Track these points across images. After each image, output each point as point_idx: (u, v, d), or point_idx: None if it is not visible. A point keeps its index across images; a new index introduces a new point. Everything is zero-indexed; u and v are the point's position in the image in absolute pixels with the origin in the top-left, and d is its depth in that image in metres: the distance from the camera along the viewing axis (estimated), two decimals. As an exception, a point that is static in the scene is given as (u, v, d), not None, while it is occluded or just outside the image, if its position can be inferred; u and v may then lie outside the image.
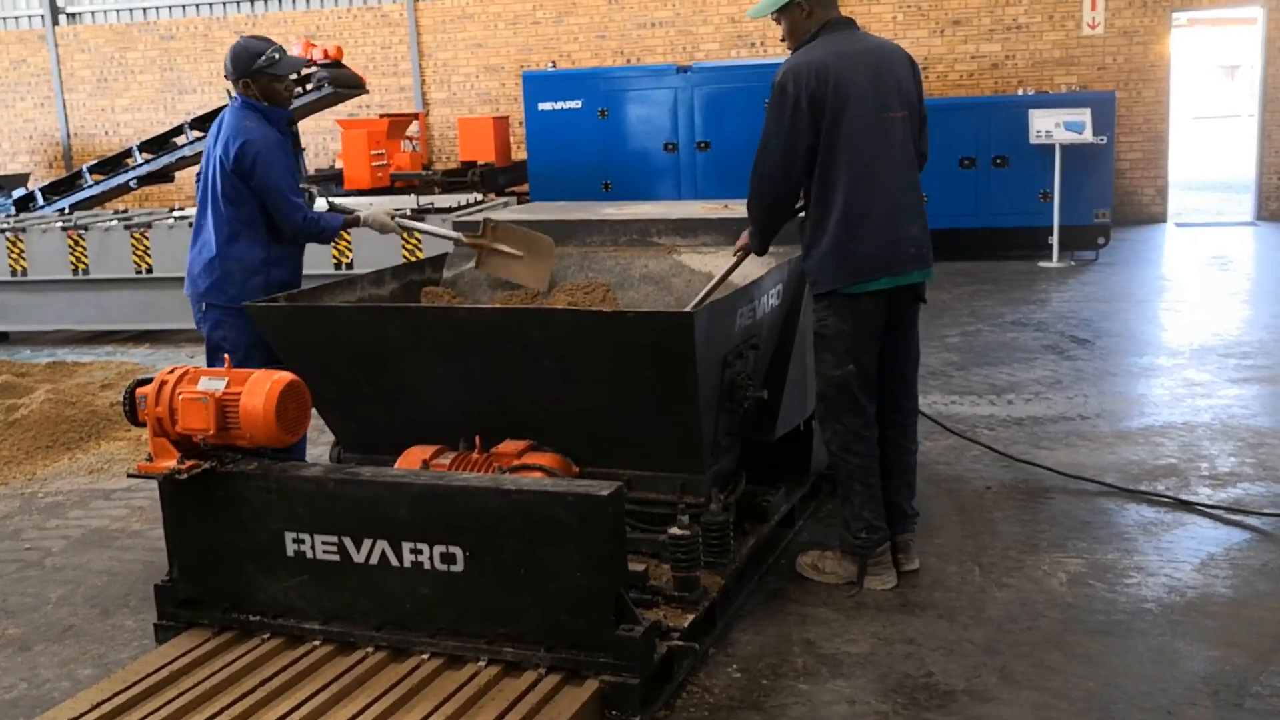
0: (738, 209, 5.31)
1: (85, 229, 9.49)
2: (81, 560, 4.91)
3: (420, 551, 3.45)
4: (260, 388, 3.51)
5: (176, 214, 10.03)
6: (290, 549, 3.60)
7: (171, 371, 3.63)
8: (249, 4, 17.29)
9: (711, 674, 3.64)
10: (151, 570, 4.72)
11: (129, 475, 3.83)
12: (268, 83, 4.74)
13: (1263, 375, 6.98)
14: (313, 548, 3.58)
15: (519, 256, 4.96)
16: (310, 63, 12.09)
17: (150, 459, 3.64)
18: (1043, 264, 11.52)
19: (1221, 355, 7.50)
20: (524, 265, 4.97)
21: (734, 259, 4.53)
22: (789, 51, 4.32)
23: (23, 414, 6.78)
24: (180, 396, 3.53)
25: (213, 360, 4.69)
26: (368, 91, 13.77)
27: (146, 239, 9.31)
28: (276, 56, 4.73)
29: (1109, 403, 6.56)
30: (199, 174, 4.89)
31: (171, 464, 3.56)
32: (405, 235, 4.87)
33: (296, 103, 12.66)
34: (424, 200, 9.69)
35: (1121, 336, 8.32)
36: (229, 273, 4.72)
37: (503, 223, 5.10)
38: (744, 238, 4.48)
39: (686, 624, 3.62)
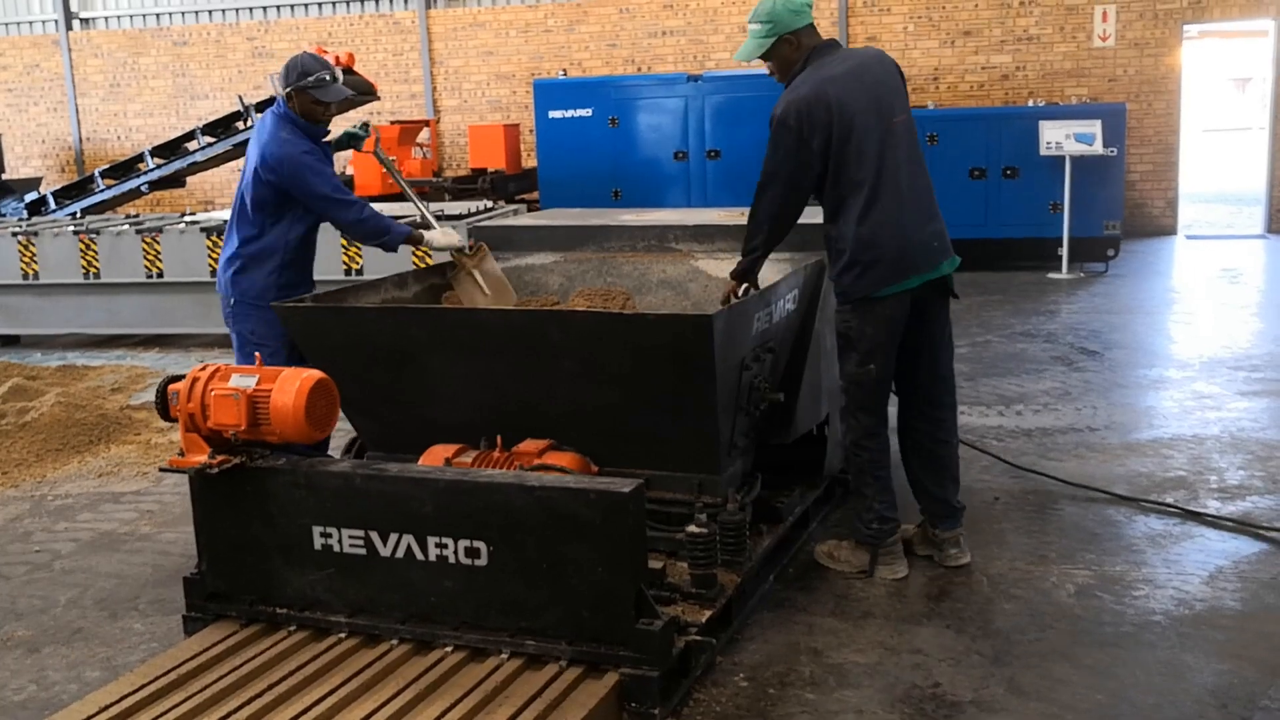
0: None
1: (96, 233, 9.52)
2: (90, 563, 4.92)
3: (445, 546, 3.51)
4: (290, 385, 3.57)
5: (188, 219, 10.07)
6: (317, 543, 3.66)
7: (203, 368, 3.70)
8: (262, 11, 17.36)
9: (719, 683, 3.63)
10: (160, 573, 4.74)
11: (161, 470, 3.91)
12: (308, 102, 4.88)
13: (1272, 388, 6.96)
14: (339, 541, 3.63)
15: (485, 294, 5.02)
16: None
17: (181, 454, 3.72)
18: (1052, 275, 11.51)
19: (1231, 368, 7.48)
20: (484, 304, 5.01)
21: (740, 292, 4.44)
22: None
23: (33, 417, 6.81)
24: (212, 393, 3.61)
25: (241, 352, 4.92)
26: (379, 98, 13.82)
27: (157, 243, 9.34)
28: (326, 79, 4.86)
29: (1118, 414, 6.54)
30: (240, 181, 5.07)
31: (202, 459, 3.64)
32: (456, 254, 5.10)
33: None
34: (434, 207, 9.70)
35: (1131, 348, 8.30)
36: (245, 268, 4.93)
37: (491, 256, 5.16)
38: (734, 274, 4.42)
39: (704, 620, 3.68)
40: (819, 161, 4.16)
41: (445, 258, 5.21)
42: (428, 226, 5.19)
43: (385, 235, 4.93)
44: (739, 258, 4.44)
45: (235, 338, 5.02)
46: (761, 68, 4.43)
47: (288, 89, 4.86)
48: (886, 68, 4.32)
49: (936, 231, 4.31)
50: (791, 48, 4.25)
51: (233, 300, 4.95)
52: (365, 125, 5.41)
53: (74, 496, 5.81)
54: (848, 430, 4.43)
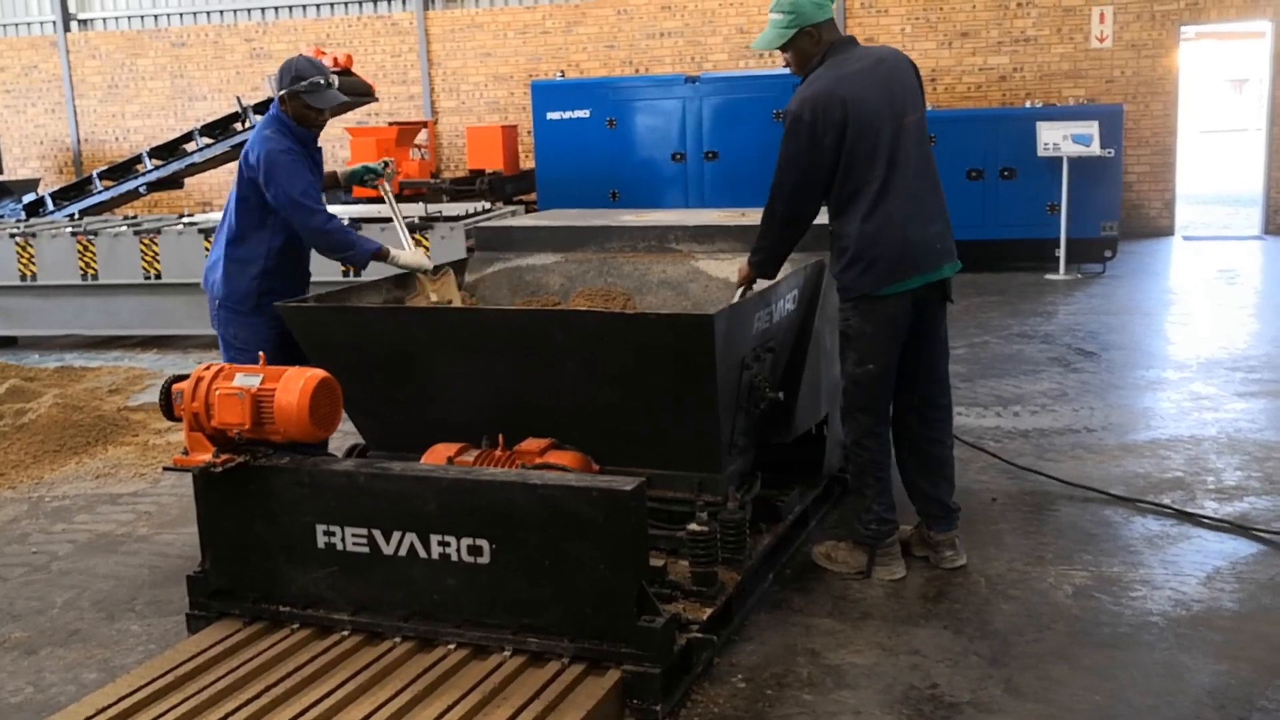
0: (754, 216, 5.36)
1: (94, 234, 9.52)
2: (88, 565, 4.92)
3: (448, 544, 3.52)
4: (294, 384, 3.58)
5: (186, 220, 10.07)
6: (321, 541, 3.67)
7: (207, 368, 3.71)
8: (260, 12, 17.36)
9: (716, 684, 3.63)
10: (158, 575, 4.74)
11: (165, 469, 3.92)
12: (300, 106, 4.85)
13: (1270, 389, 6.96)
14: (343, 540, 3.65)
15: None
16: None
17: (185, 453, 3.73)
18: (1049, 276, 11.51)
19: (1228, 369, 7.49)
20: None
21: (739, 290, 4.49)
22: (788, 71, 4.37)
23: (30, 418, 6.80)
24: (216, 392, 3.62)
25: (226, 355, 4.90)
26: (377, 99, 13.82)
27: (155, 245, 9.34)
28: (320, 82, 4.83)
29: (1115, 415, 6.55)
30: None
31: (206, 458, 3.65)
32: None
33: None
34: (432, 209, 9.70)
35: (1128, 349, 8.31)
36: (228, 272, 4.91)
37: (454, 283, 5.12)
38: (744, 267, 4.48)
39: (705, 617, 3.70)
40: (831, 158, 4.16)
41: (460, 251, 5.20)
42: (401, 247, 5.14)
43: (349, 250, 4.87)
44: (739, 258, 4.45)
45: (220, 340, 5.01)
46: (760, 68, 4.45)
47: (281, 91, 4.85)
48: (902, 67, 4.33)
49: (940, 233, 4.31)
50: (811, 41, 4.25)
51: (217, 303, 4.94)
52: (387, 163, 5.36)
53: (71, 498, 5.81)
54: (848, 430, 4.45)
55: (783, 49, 4.32)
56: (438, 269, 5.13)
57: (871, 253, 4.19)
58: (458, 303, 5.12)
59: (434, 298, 5.00)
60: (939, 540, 4.48)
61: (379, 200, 12.59)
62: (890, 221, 4.18)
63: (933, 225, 4.29)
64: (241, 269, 4.88)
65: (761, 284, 4.48)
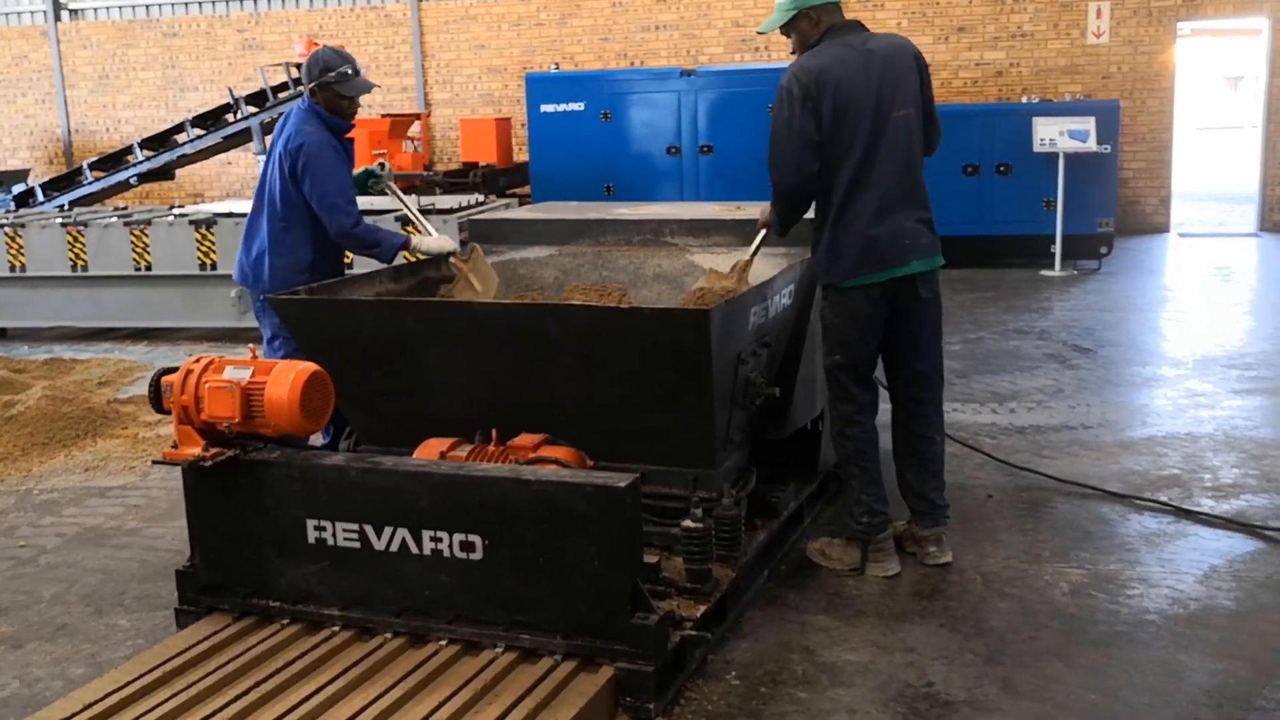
0: (750, 210, 5.35)
1: (85, 225, 9.46)
2: (76, 558, 4.88)
3: (440, 540, 3.50)
4: (285, 377, 3.55)
5: (176, 211, 10.01)
6: (311, 536, 3.65)
7: (197, 360, 3.68)
8: (252, 3, 17.26)
9: (710, 682, 3.60)
10: (147, 569, 4.69)
11: (154, 462, 3.89)
12: (332, 97, 4.94)
13: (1266, 387, 6.95)
14: (334, 535, 3.62)
15: (477, 292, 4.98)
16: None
17: (174, 446, 3.70)
18: (1045, 272, 11.50)
19: (1224, 366, 7.48)
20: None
21: (759, 234, 4.57)
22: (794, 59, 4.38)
23: (19, 410, 6.76)
24: (206, 385, 3.59)
25: (270, 346, 5.00)
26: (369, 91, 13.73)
27: (146, 236, 9.28)
28: (349, 72, 4.93)
29: (1111, 412, 6.53)
30: (261, 171, 5.10)
31: (196, 451, 3.62)
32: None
33: (296, 102, 12.67)
34: (425, 201, 9.66)
35: (1124, 346, 8.29)
36: (275, 268, 4.97)
37: (482, 254, 5.11)
38: (765, 211, 4.50)
39: (699, 614, 3.67)
40: (815, 130, 4.16)
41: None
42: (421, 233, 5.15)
43: (376, 248, 4.96)
44: (735, 252, 4.44)
45: (266, 330, 5.08)
46: (755, 61, 4.45)
47: (311, 84, 4.93)
48: (900, 58, 4.28)
49: (912, 229, 4.27)
50: (810, 24, 4.27)
51: (262, 296, 4.98)
52: (383, 165, 5.40)
53: (60, 491, 5.76)
54: (831, 420, 4.48)
55: (784, 31, 4.34)
56: (467, 248, 5.10)
57: (839, 244, 4.23)
58: (493, 277, 5.05)
59: (474, 279, 4.96)
60: (923, 536, 4.46)
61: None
62: (860, 215, 4.20)
63: (905, 221, 4.25)
64: (290, 265, 4.95)
65: (764, 277, 4.46)
